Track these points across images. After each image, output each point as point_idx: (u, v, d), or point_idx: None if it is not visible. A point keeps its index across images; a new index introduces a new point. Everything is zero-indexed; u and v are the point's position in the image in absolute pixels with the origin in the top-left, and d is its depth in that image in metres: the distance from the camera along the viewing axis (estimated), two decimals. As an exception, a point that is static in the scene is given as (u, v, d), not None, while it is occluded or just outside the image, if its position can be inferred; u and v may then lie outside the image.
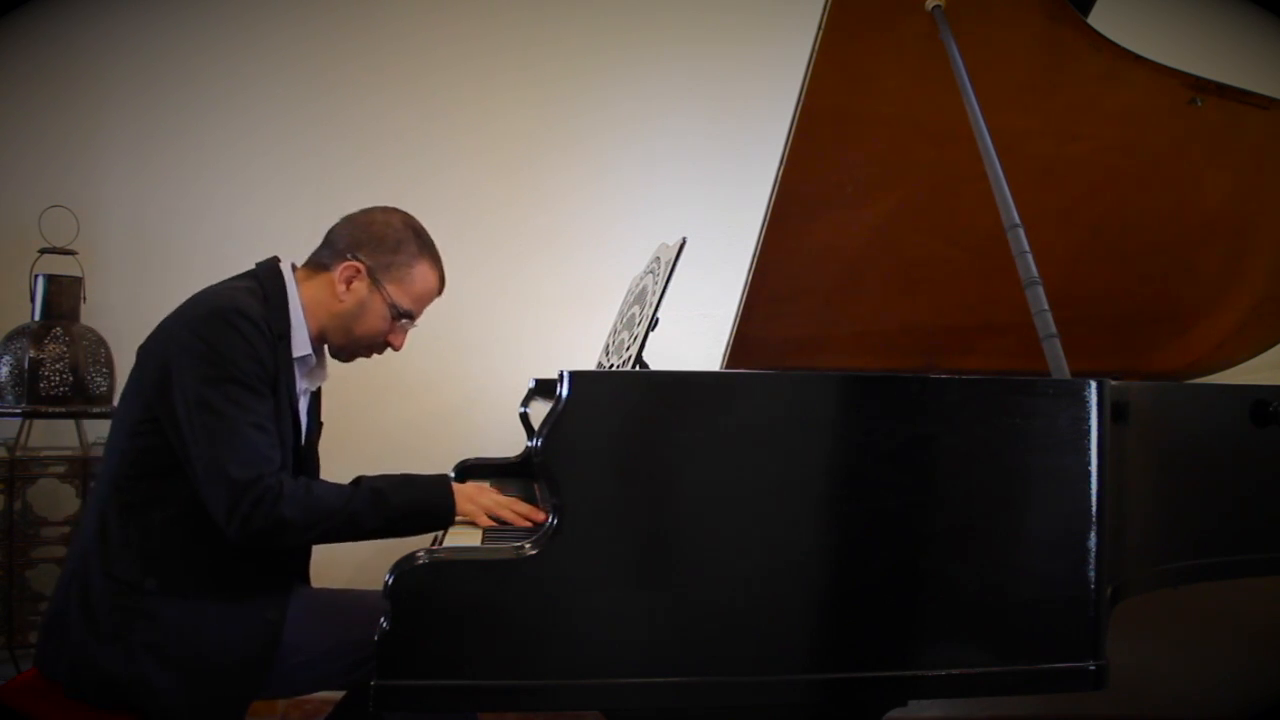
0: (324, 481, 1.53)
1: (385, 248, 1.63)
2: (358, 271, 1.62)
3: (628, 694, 1.22)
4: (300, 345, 1.59)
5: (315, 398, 1.77)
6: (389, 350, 1.72)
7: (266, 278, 1.60)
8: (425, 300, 1.69)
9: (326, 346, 1.70)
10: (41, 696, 1.48)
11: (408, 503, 1.50)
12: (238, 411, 1.44)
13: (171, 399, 1.45)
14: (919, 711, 2.73)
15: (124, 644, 1.45)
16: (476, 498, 1.56)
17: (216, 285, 1.59)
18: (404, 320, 1.67)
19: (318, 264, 1.65)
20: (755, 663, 1.23)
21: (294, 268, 1.65)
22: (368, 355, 1.71)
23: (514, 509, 1.55)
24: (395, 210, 1.68)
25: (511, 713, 1.88)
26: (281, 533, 1.43)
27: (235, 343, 1.46)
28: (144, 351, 1.54)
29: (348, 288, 1.62)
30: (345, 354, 1.69)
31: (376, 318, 1.64)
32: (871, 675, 1.26)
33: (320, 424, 1.80)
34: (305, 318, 1.61)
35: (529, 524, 1.53)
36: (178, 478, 1.47)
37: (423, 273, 1.66)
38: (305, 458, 1.72)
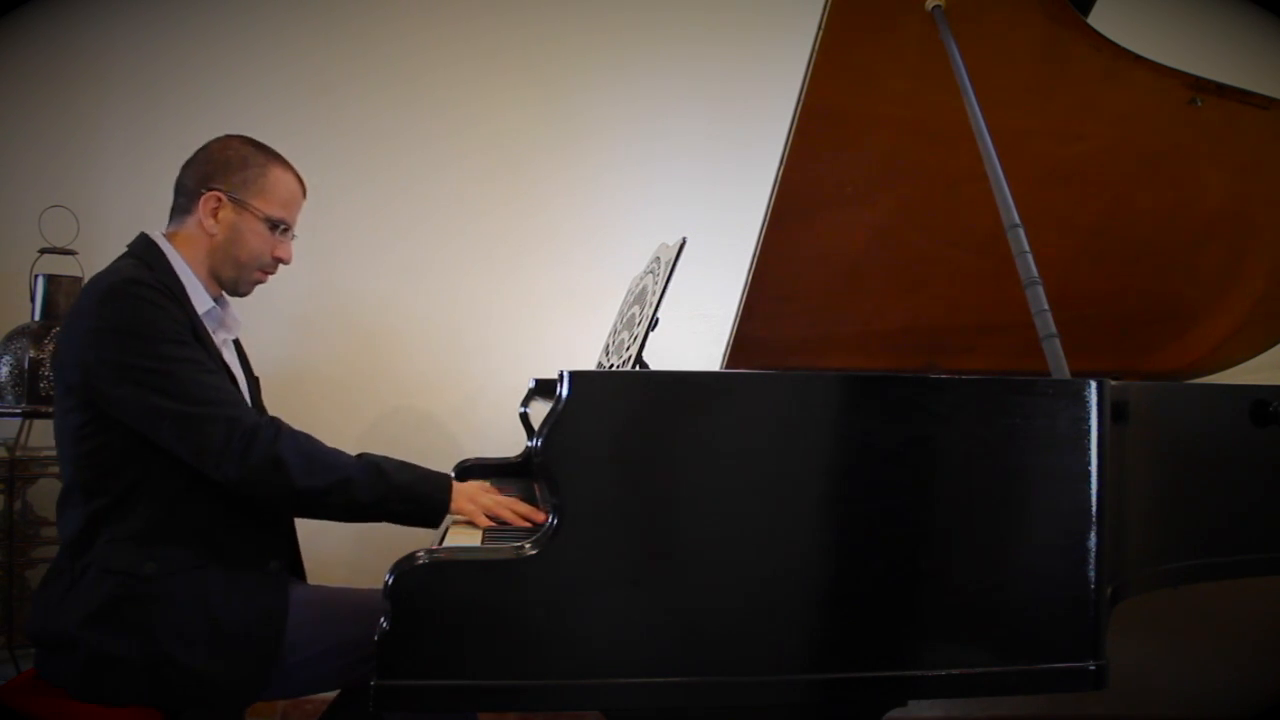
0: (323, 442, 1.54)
1: (233, 168, 1.64)
2: (219, 200, 1.62)
3: (628, 694, 1.22)
4: (201, 302, 1.60)
5: (240, 351, 1.78)
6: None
7: (142, 251, 1.61)
8: (292, 204, 1.69)
9: (224, 292, 1.70)
10: (42, 696, 1.48)
11: (405, 485, 1.49)
12: (178, 366, 1.45)
13: (108, 390, 1.45)
14: (919, 711, 2.73)
15: (142, 633, 1.45)
16: (477, 497, 1.55)
17: (97, 273, 1.58)
18: (281, 230, 1.67)
19: (180, 214, 1.66)
20: (755, 663, 1.23)
21: (164, 235, 1.66)
22: (264, 279, 1.71)
23: (514, 509, 1.55)
24: (228, 135, 1.69)
25: (511, 713, 1.88)
26: (277, 473, 1.42)
27: (141, 309, 1.47)
28: (57, 363, 1.55)
29: (215, 219, 1.63)
30: (242, 285, 1.69)
31: (254, 236, 1.64)
32: (871, 675, 1.26)
33: (256, 378, 1.80)
34: (193, 272, 1.62)
35: (528, 524, 1.53)
36: (141, 462, 1.47)
37: (278, 177, 1.67)
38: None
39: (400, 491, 1.49)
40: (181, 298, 1.56)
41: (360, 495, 1.46)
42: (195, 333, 1.53)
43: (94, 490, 1.50)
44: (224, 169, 1.63)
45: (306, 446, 1.47)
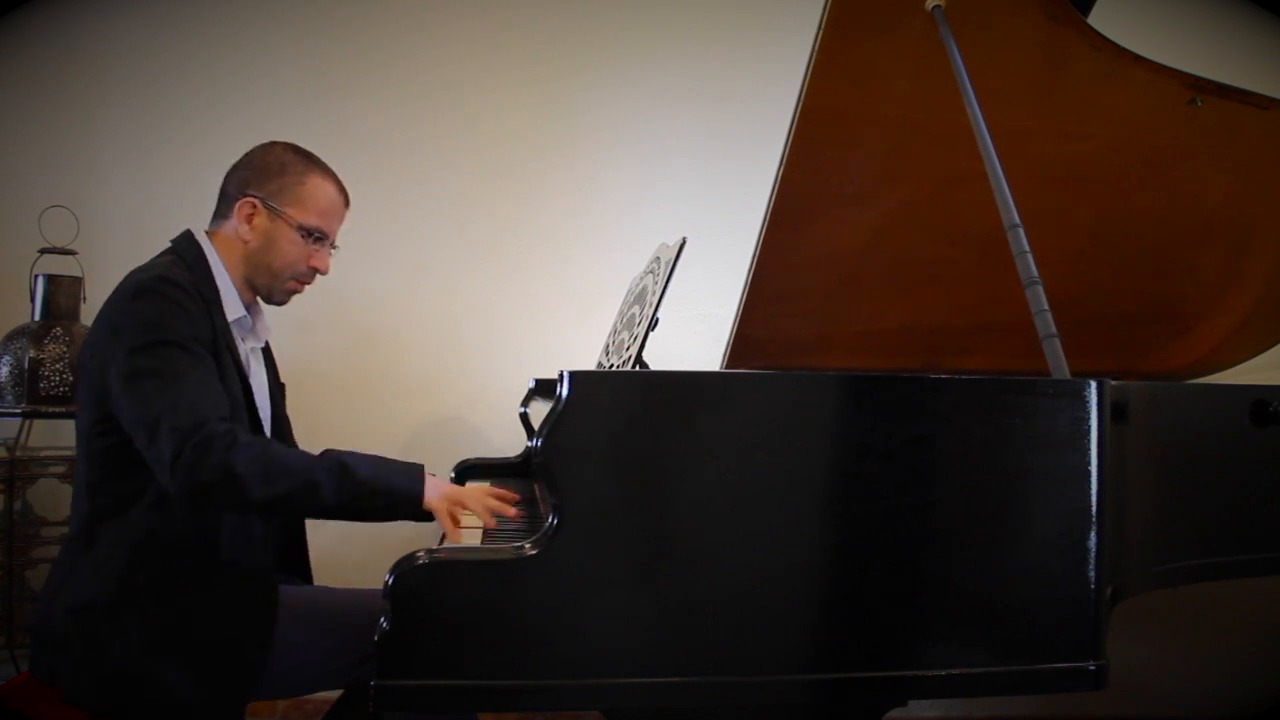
0: (285, 446, 1.49)
1: (270, 174, 1.62)
2: (254, 206, 1.61)
3: (628, 694, 1.22)
4: (233, 308, 1.59)
5: (268, 357, 1.76)
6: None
7: (184, 249, 1.60)
8: (331, 214, 1.67)
9: (259, 299, 1.68)
10: (41, 697, 1.48)
11: (373, 479, 1.42)
12: (173, 369, 1.41)
13: (115, 390, 1.43)
14: (919, 711, 2.73)
15: (124, 643, 1.44)
16: (442, 487, 1.48)
17: (138, 267, 1.57)
18: (317, 240, 1.65)
19: (219, 218, 1.65)
20: (755, 663, 1.23)
21: (206, 234, 1.64)
22: (300, 288, 1.69)
23: (484, 501, 1.51)
24: (273, 141, 1.68)
25: (511, 713, 1.88)
26: (232, 486, 1.36)
27: (164, 309, 1.45)
28: (83, 353, 1.53)
29: (250, 225, 1.61)
30: (276, 294, 1.67)
31: (288, 243, 1.62)
32: (871, 675, 1.26)
33: (282, 385, 1.78)
34: (229, 276, 1.60)
35: (511, 516, 1.51)
36: (146, 468, 1.45)
37: (315, 185, 1.64)
38: (275, 419, 1.71)
39: (368, 486, 1.42)
40: (214, 302, 1.54)
41: (326, 496, 1.40)
42: (216, 342, 1.51)
43: (98, 489, 1.50)
44: (262, 175, 1.62)
45: (262, 455, 1.38)
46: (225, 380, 1.51)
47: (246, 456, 1.37)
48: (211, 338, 1.50)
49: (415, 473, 1.48)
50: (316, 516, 1.47)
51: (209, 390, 1.44)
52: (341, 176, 1.71)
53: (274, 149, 1.65)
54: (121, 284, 1.52)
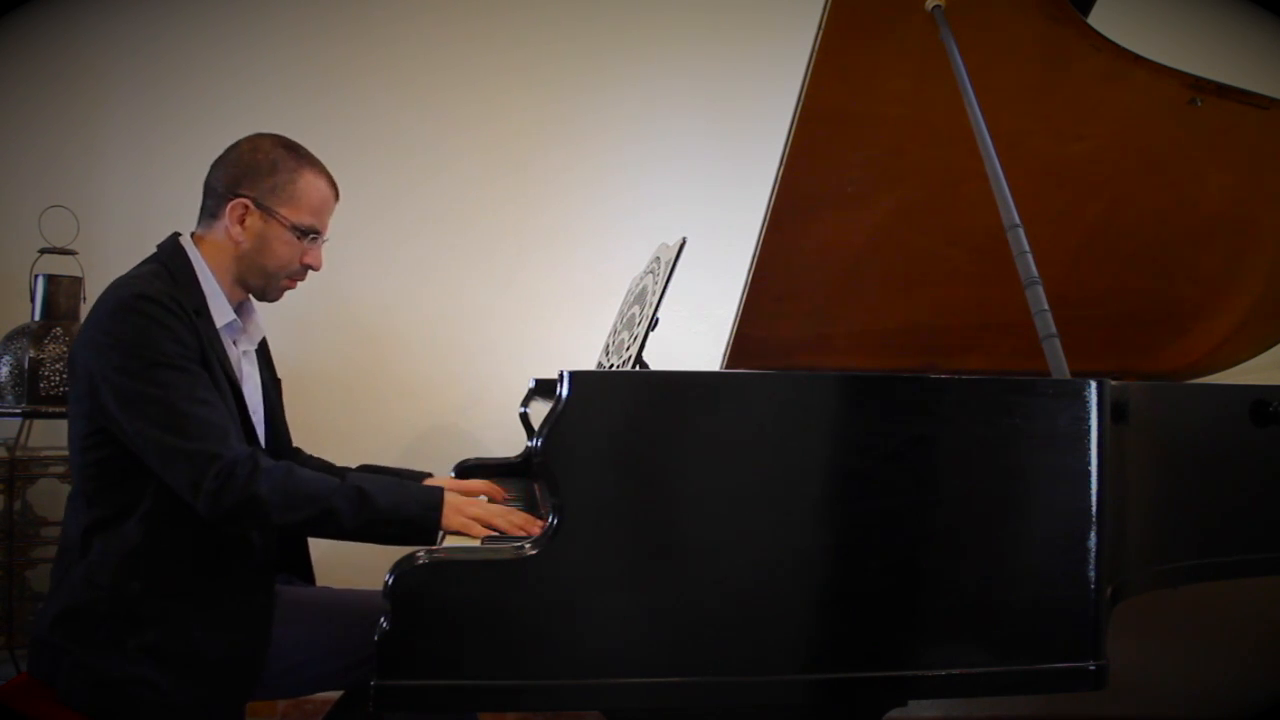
0: (308, 470, 1.49)
1: (262, 173, 1.57)
2: (246, 208, 1.56)
3: (627, 694, 1.22)
4: (221, 313, 1.56)
5: (263, 355, 1.73)
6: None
7: (169, 256, 1.56)
8: (323, 210, 1.63)
9: (250, 297, 1.66)
10: (40, 698, 1.48)
11: (392, 509, 1.43)
12: (170, 393, 1.40)
13: (107, 406, 1.42)
14: (919, 711, 2.73)
15: (120, 650, 1.44)
16: (465, 509, 1.48)
17: (121, 277, 1.54)
18: (311, 238, 1.61)
19: (208, 218, 1.61)
20: (755, 662, 1.23)
21: (193, 237, 1.61)
22: (292, 285, 1.66)
23: (509, 518, 1.49)
24: (260, 134, 1.62)
25: (511, 713, 1.88)
26: (255, 511, 1.38)
27: (146, 328, 1.42)
28: (70, 363, 1.52)
29: (242, 226, 1.57)
30: (270, 292, 1.64)
31: (282, 245, 1.59)
32: (871, 675, 1.26)
33: (278, 381, 1.76)
34: (218, 281, 1.57)
35: (524, 534, 1.51)
36: (141, 479, 1.45)
37: (309, 183, 1.59)
38: (272, 419, 1.70)
39: (386, 515, 1.42)
40: (201, 311, 1.51)
41: (345, 522, 1.41)
42: (205, 353, 1.48)
43: (94, 500, 1.49)
44: (253, 173, 1.57)
45: (284, 482, 1.40)
46: (217, 392, 1.49)
47: (269, 484, 1.39)
48: (200, 350, 1.48)
49: (434, 501, 1.46)
50: (336, 539, 1.47)
51: (212, 409, 1.44)
52: (342, 177, 1.69)
53: (261, 144, 1.60)
54: (102, 297, 1.50)
